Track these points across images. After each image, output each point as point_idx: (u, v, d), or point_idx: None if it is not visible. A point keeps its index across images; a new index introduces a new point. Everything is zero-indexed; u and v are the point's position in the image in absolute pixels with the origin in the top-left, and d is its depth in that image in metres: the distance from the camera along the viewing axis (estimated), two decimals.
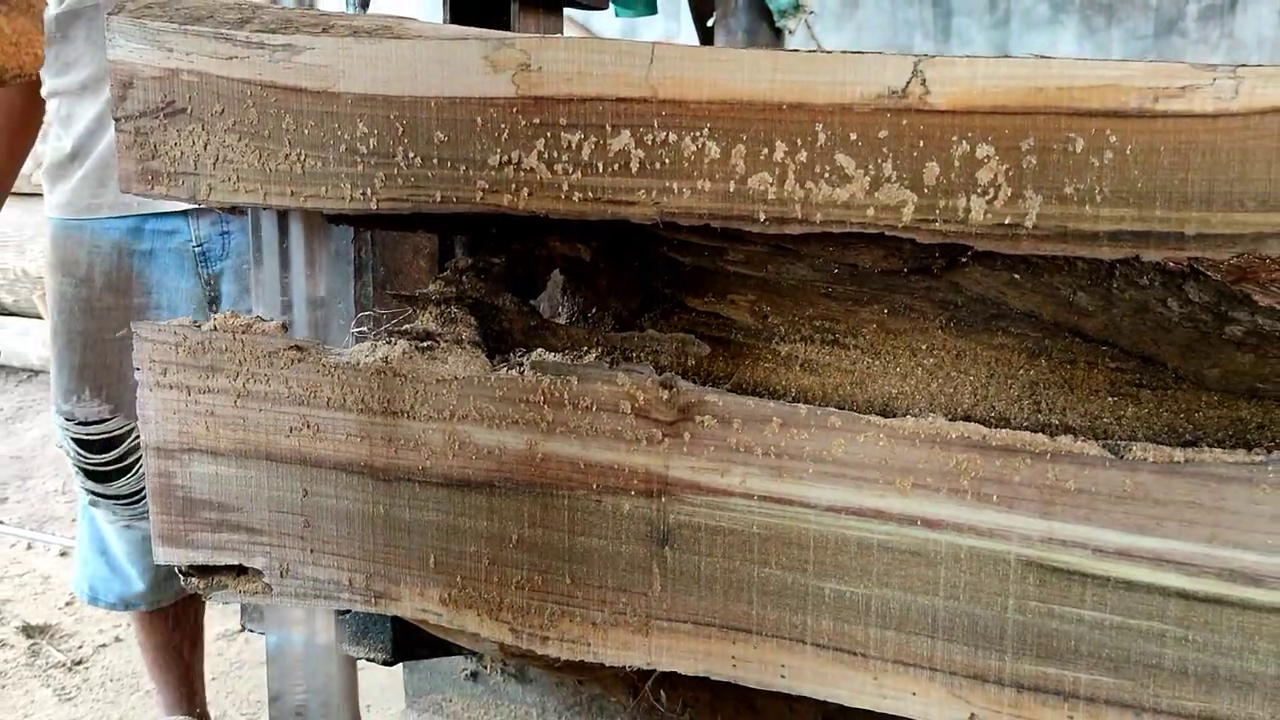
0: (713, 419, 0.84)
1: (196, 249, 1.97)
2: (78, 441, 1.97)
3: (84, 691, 2.79)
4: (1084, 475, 0.73)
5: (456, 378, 0.93)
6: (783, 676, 0.84)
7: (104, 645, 3.02)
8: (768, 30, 3.39)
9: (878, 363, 0.91)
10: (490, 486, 0.93)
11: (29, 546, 3.67)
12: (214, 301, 2.02)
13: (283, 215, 1.07)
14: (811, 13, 3.40)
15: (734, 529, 0.84)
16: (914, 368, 0.90)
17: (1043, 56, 0.72)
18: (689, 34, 4.59)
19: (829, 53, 0.76)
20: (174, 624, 2.26)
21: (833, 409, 0.80)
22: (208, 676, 2.44)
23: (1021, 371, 0.87)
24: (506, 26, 1.29)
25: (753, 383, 0.96)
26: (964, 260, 0.83)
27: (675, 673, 0.90)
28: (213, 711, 2.41)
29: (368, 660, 1.35)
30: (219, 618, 2.93)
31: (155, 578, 2.11)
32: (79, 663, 2.94)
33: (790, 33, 3.42)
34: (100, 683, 2.85)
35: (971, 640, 0.78)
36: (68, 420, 1.98)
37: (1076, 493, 0.74)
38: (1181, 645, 0.72)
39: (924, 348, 0.90)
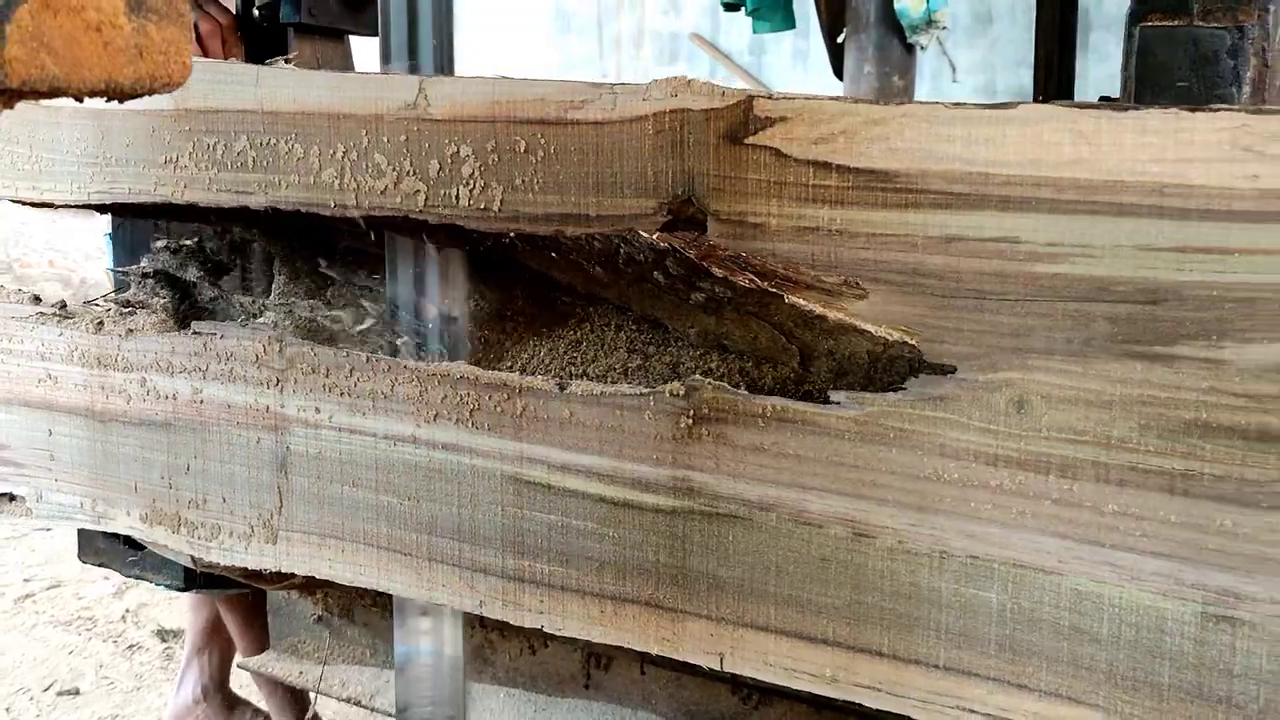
0: (309, 367, 1.05)
1: None
2: None
3: None
4: (541, 405, 0.93)
5: (145, 335, 1.15)
6: (361, 574, 1.05)
7: None
8: (899, 46, 3.23)
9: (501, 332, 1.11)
10: (169, 425, 1.15)
11: None
12: None
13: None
14: (944, 29, 3.21)
15: (326, 455, 1.05)
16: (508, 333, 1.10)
17: (505, 76, 0.92)
18: (818, 49, 4.18)
19: (366, 74, 0.97)
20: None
21: (382, 356, 1.00)
22: None
23: (570, 333, 1.06)
24: (286, 51, 1.51)
25: None
26: (506, 240, 1.02)
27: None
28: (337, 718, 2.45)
29: (164, 587, 1.57)
30: None
31: None
32: None
33: (923, 49, 3.27)
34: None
35: (476, 540, 0.97)
36: None
37: (536, 419, 0.93)
38: (605, 540, 0.91)
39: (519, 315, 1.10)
